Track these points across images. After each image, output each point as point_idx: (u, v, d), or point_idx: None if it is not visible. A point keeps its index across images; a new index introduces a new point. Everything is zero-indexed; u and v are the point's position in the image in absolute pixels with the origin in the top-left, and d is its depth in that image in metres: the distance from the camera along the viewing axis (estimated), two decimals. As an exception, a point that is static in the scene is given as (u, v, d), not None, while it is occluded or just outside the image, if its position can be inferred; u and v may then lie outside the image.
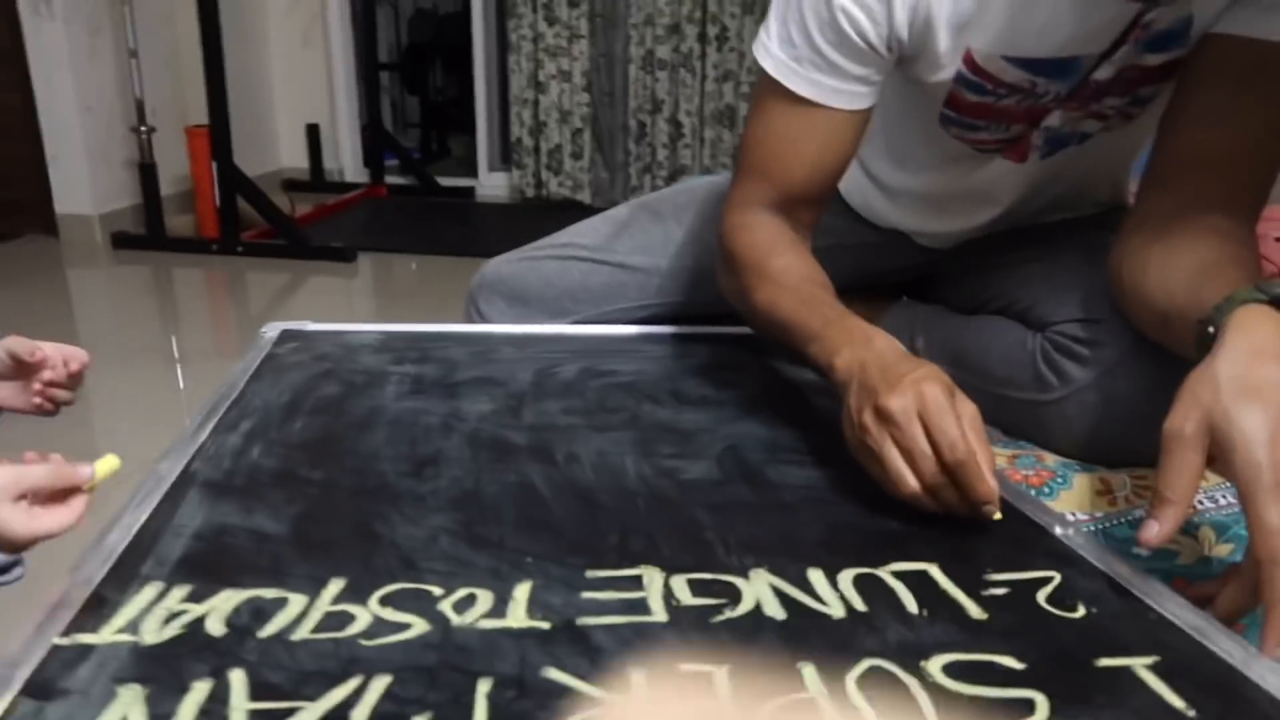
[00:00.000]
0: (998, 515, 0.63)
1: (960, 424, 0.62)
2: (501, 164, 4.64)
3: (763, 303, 0.85)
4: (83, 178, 3.61)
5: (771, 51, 0.86)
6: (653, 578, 0.56)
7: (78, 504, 0.60)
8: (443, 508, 0.65)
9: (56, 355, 0.79)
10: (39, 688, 0.44)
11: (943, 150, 0.97)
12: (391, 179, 4.62)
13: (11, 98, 3.50)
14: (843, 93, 0.86)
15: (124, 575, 0.53)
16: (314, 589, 0.53)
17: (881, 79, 0.87)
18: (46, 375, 0.79)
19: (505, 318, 1.16)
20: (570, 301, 1.16)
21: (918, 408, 0.63)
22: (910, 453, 0.62)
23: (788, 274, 0.85)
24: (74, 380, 0.81)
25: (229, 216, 3.47)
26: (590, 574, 0.57)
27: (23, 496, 0.57)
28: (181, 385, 2.50)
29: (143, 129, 3.52)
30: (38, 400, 0.80)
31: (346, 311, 3.04)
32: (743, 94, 4.02)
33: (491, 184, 4.59)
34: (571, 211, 4.16)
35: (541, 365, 0.97)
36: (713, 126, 4.10)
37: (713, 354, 1.03)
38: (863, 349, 0.71)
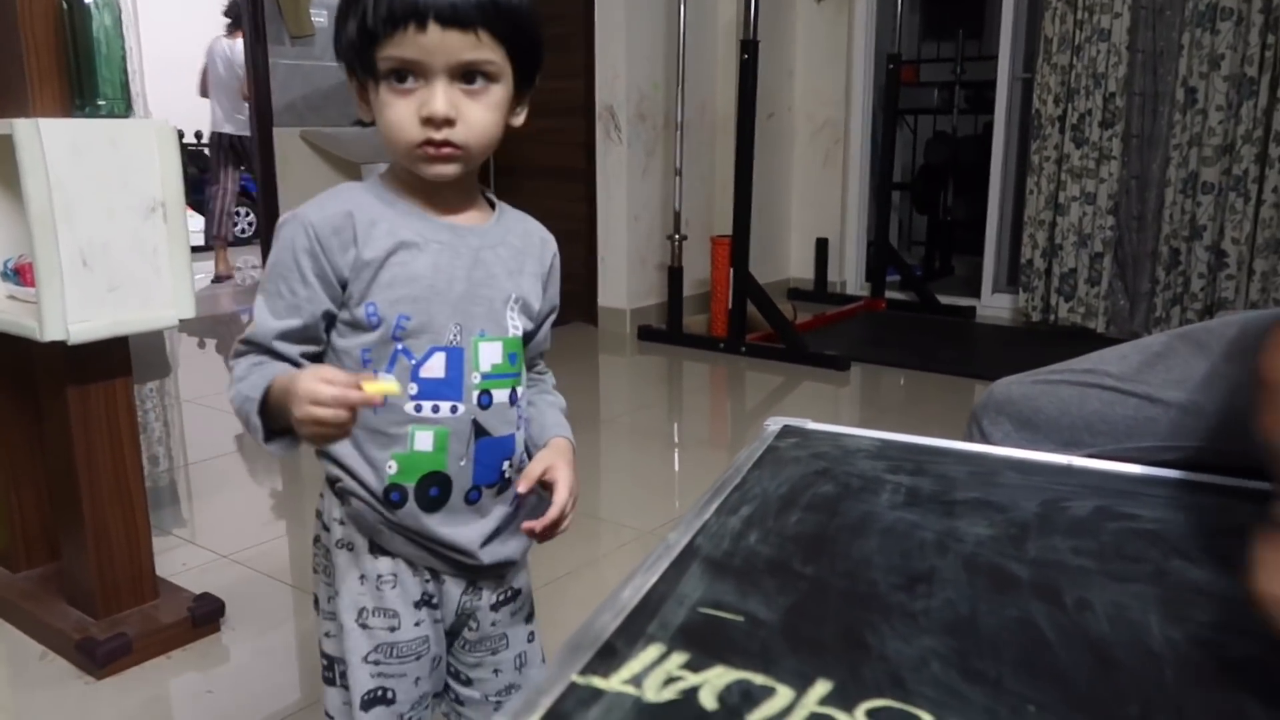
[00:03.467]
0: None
1: None
2: (1007, 285, 4.47)
3: None
4: (622, 277, 4.15)
5: None
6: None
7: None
8: (935, 630, 0.61)
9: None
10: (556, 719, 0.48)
11: None
12: (892, 294, 4.68)
13: (579, 208, 4.17)
14: None
15: (633, 631, 0.57)
16: (800, 685, 0.53)
17: None
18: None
19: (1010, 441, 1.09)
20: (1087, 433, 1.06)
21: None
22: None
23: None
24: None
25: (738, 319, 3.75)
26: (1104, 741, 0.49)
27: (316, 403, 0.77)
28: (676, 467, 2.72)
29: (676, 237, 3.97)
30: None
31: (833, 418, 3.10)
32: (1311, 221, 3.47)
33: (994, 305, 4.44)
34: (1081, 339, 3.88)
35: (1049, 496, 0.89)
36: (1265, 257, 3.58)
37: (1264, 514, 0.87)
38: None
